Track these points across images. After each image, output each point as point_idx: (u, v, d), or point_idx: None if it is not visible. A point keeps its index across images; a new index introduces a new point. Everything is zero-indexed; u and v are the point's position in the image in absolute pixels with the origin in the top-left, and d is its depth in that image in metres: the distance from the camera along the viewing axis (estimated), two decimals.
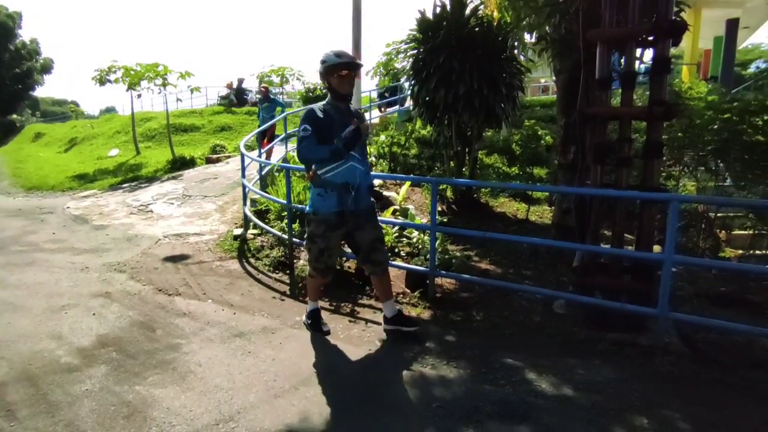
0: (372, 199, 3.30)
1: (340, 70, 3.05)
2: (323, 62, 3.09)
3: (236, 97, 19.63)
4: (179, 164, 11.74)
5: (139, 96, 13.02)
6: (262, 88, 11.05)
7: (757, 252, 5.02)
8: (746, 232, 5.34)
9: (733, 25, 11.76)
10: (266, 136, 9.82)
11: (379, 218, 4.97)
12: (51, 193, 10.56)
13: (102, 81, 12.75)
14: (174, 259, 5.32)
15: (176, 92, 13.50)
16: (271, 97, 10.82)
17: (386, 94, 15.11)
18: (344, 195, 3.09)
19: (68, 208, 8.53)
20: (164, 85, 12.44)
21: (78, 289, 4.39)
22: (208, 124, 17.10)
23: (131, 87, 12.59)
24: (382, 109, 15.28)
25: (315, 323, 3.47)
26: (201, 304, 4.04)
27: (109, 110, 38.65)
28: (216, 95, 22.33)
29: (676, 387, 2.71)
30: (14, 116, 33.51)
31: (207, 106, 20.95)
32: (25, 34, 43.80)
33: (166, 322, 3.66)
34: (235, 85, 20.19)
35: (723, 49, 12.27)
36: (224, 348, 3.21)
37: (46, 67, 36.38)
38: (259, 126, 10.41)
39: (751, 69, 28.50)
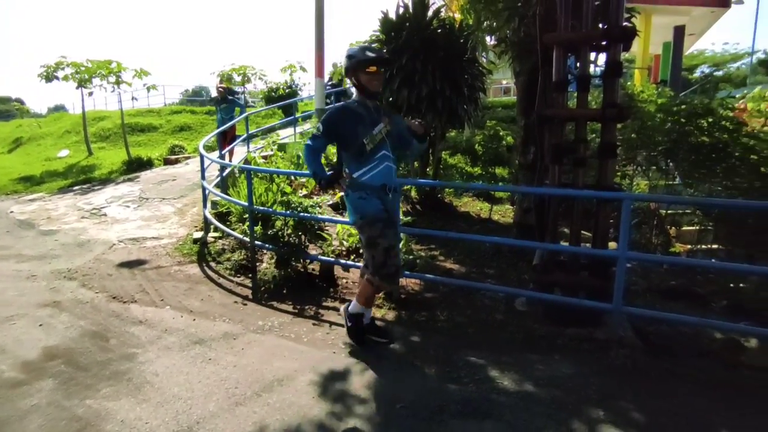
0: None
1: (370, 67, 2.87)
2: (351, 57, 2.89)
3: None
4: (135, 165, 11.30)
5: (91, 94, 12.44)
6: (220, 89, 10.68)
7: (703, 247, 5.29)
8: (694, 228, 5.62)
9: (679, 32, 12.39)
10: (227, 137, 9.59)
11: (341, 219, 4.94)
12: None
13: (49, 78, 12.11)
14: (130, 264, 5.10)
15: (131, 90, 12.92)
16: (230, 98, 10.53)
17: (327, 101, 14.08)
18: (383, 196, 2.98)
19: (12, 212, 8.04)
20: (118, 83, 11.94)
21: (24, 298, 4.14)
22: (166, 124, 16.55)
23: (81, 84, 12.02)
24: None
25: (357, 327, 3.16)
26: (158, 310, 3.89)
27: (58, 108, 36.62)
28: (178, 94, 21.61)
29: (630, 379, 2.82)
30: None
31: (165, 105, 20.27)
32: None
33: (120, 330, 3.50)
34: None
35: (671, 55, 12.91)
36: (183, 356, 3.10)
37: None
38: (217, 128, 10.06)
39: (697, 74, 30.22)
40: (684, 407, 2.54)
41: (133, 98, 14.54)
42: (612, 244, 3.75)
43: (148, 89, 12.87)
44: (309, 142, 2.95)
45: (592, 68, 3.71)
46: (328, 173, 3.02)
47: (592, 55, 3.69)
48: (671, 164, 5.42)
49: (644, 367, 2.95)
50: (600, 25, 3.53)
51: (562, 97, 3.59)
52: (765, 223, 4.39)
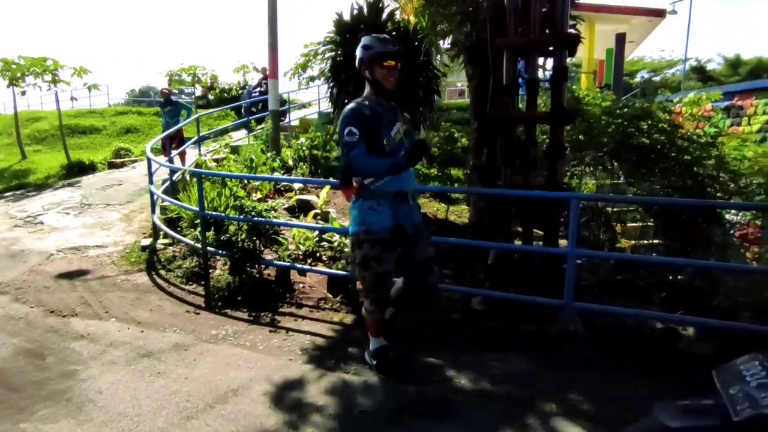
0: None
1: (387, 60, 2.56)
2: (368, 48, 2.56)
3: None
4: (77, 170, 10.64)
5: (24, 93, 11.57)
6: (164, 91, 10.18)
7: (645, 242, 5.59)
8: (636, 225, 5.94)
9: (621, 39, 13.05)
10: (175, 141, 9.20)
11: (297, 223, 4.84)
12: None
13: None
14: (70, 275, 4.79)
15: (70, 90, 12.09)
16: (174, 100, 10.09)
17: (253, 110, 12.54)
18: (399, 206, 2.63)
19: None
20: (54, 81, 11.17)
21: None
22: (110, 126, 15.71)
23: (13, 83, 11.16)
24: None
25: (384, 363, 2.86)
26: (102, 323, 3.67)
27: None
28: (123, 94, 20.55)
29: (580, 371, 2.93)
30: None
31: (109, 106, 19.23)
32: None
33: (59, 347, 3.27)
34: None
35: (614, 60, 13.59)
36: (130, 371, 2.94)
37: None
38: (162, 132, 9.59)
39: (638, 78, 32.11)
40: (629, 395, 2.66)
41: (72, 98, 13.55)
42: (563, 242, 3.89)
43: (89, 89, 12.12)
44: (352, 152, 2.50)
45: (540, 72, 3.84)
46: (397, 157, 2.56)
47: (540, 60, 3.81)
48: (616, 164, 5.70)
49: (593, 358, 3.07)
50: (547, 31, 3.66)
51: (512, 100, 3.69)
52: (696, 219, 4.70)
